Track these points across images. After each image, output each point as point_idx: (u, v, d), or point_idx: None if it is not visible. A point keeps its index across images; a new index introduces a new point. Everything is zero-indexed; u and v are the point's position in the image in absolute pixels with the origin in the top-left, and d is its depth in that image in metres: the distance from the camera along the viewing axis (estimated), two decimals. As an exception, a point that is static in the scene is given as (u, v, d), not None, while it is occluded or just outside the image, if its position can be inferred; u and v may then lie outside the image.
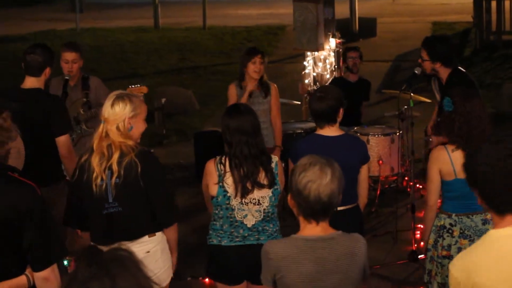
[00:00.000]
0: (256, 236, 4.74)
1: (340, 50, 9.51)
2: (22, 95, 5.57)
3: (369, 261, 3.58)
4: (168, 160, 9.68)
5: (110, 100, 4.48)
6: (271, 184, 4.70)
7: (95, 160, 4.43)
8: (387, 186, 8.38)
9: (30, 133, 4.60)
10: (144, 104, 4.62)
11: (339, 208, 3.49)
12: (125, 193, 4.44)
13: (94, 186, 4.42)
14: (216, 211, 4.76)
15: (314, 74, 9.55)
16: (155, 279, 2.31)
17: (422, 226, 7.20)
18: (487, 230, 3.51)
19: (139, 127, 4.55)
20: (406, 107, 7.53)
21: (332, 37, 9.41)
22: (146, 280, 2.29)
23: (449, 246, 4.88)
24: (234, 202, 4.69)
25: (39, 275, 3.57)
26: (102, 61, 16.56)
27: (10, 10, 25.06)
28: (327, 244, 3.38)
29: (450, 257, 4.84)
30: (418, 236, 7.07)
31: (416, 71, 6.79)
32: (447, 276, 4.67)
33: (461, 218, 4.89)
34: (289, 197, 3.42)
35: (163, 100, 11.35)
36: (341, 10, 13.30)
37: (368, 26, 17.96)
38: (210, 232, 4.83)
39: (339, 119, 5.06)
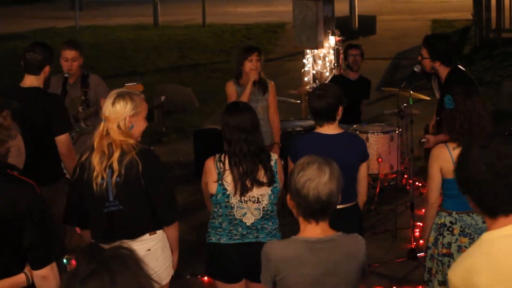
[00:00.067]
0: (255, 234, 4.75)
1: (340, 48, 9.51)
2: (22, 95, 5.56)
3: (368, 259, 3.58)
4: (168, 158, 9.67)
5: (111, 99, 4.47)
6: (271, 182, 4.70)
7: (95, 159, 4.43)
8: (386, 184, 8.38)
9: (29, 132, 4.60)
10: (145, 103, 4.61)
11: (338, 206, 3.49)
12: (126, 192, 4.43)
13: (94, 185, 4.42)
14: (215, 209, 4.76)
15: (314, 72, 9.54)
16: (155, 277, 2.32)
17: (421, 224, 7.22)
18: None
19: (140, 125, 4.55)
20: (405, 105, 7.54)
21: (332, 35, 9.40)
22: (146, 279, 2.29)
23: (449, 244, 4.88)
24: (233, 200, 4.69)
25: (38, 274, 3.58)
26: (101, 59, 16.56)
27: (10, 7, 25.07)
28: (327, 246, 3.38)
29: (450, 255, 4.84)
30: (417, 234, 7.08)
31: (415, 69, 6.79)
32: (447, 274, 4.69)
33: (462, 216, 4.90)
34: (288, 198, 3.42)
35: (163, 98, 11.35)
36: (340, 8, 13.29)
37: (368, 24, 17.96)
38: (209, 230, 4.83)
39: (338, 117, 5.06)
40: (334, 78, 8.97)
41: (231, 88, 7.13)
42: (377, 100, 11.65)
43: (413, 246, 6.74)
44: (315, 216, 3.36)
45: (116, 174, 4.39)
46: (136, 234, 4.50)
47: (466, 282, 2.79)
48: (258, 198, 4.70)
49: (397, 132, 7.95)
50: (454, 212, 4.90)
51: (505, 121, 9.94)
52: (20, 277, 3.61)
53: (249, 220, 4.72)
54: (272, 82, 7.26)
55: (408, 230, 7.06)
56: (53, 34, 19.30)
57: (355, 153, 5.08)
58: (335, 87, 5.23)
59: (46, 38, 17.04)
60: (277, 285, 3.45)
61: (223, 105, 5.67)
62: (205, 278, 6.21)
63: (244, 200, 4.68)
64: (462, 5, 19.52)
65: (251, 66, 6.97)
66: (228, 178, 4.68)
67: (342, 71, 9.30)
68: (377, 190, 8.08)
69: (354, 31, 17.31)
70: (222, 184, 4.68)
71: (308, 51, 9.56)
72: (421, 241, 6.95)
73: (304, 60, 9.65)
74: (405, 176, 8.33)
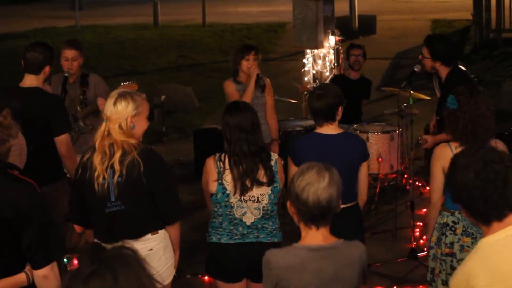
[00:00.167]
0: (256, 234, 4.75)
1: (340, 47, 9.51)
2: (22, 95, 5.56)
3: (368, 259, 3.58)
4: (168, 158, 9.65)
5: (113, 99, 4.46)
6: (271, 182, 4.70)
7: (97, 159, 4.42)
8: (386, 184, 8.38)
9: (30, 132, 4.60)
10: (146, 103, 4.60)
11: (338, 206, 3.48)
12: (128, 192, 4.43)
13: (96, 185, 4.42)
14: (216, 209, 4.77)
15: (314, 71, 9.54)
16: (157, 277, 2.32)
17: (421, 224, 7.23)
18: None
19: (142, 125, 4.54)
20: (405, 104, 7.54)
21: (332, 34, 9.40)
22: (148, 279, 2.30)
23: (452, 243, 4.87)
24: (233, 200, 4.69)
25: (38, 273, 3.58)
26: (102, 59, 16.55)
27: (10, 7, 25.06)
28: (328, 254, 3.38)
29: (453, 255, 4.84)
30: (417, 233, 7.08)
31: (415, 69, 6.80)
32: (449, 274, 4.69)
33: (464, 216, 4.89)
34: (288, 204, 3.42)
35: (163, 97, 11.35)
36: (340, 8, 13.30)
37: (368, 24, 17.96)
38: (210, 229, 4.83)
39: (338, 117, 5.05)
40: (335, 78, 8.97)
41: (231, 87, 7.10)
42: (377, 99, 11.65)
43: (413, 246, 6.74)
44: (315, 221, 3.36)
45: (117, 174, 4.39)
46: (138, 234, 4.50)
47: (466, 283, 2.81)
48: (258, 197, 4.70)
49: (397, 132, 7.95)
50: (456, 212, 4.89)
51: (505, 121, 9.93)
52: (21, 277, 3.61)
53: (249, 219, 4.72)
54: (268, 80, 7.26)
55: (408, 230, 7.05)
56: (53, 33, 19.28)
57: (355, 153, 5.07)
58: (335, 87, 5.22)
59: (46, 37, 17.04)
60: None
61: (223, 105, 5.67)
62: (206, 277, 6.21)
63: (244, 199, 4.69)
64: (462, 5, 19.51)
65: (248, 65, 6.96)
66: (228, 178, 4.68)
67: (342, 71, 9.30)
68: (377, 190, 8.08)
69: (354, 31, 17.30)
70: (222, 184, 4.68)
71: (308, 51, 9.56)
72: (421, 241, 6.96)
73: (304, 60, 9.65)
74: (405, 176, 8.33)
